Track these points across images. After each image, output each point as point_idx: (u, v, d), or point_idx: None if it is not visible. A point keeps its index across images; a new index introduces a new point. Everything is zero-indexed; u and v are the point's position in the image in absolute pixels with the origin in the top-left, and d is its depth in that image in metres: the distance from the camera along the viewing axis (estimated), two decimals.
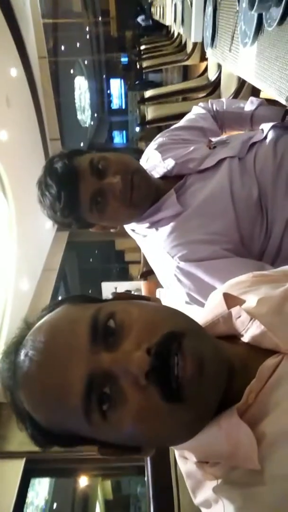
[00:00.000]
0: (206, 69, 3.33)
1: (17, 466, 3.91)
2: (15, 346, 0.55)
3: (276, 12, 0.83)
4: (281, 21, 0.83)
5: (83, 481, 4.91)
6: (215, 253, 0.95)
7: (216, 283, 0.91)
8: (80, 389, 0.48)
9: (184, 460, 0.57)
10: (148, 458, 1.04)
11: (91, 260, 10.34)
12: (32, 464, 4.00)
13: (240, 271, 0.72)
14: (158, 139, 1.23)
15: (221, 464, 0.51)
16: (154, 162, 1.15)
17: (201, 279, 0.94)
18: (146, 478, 1.03)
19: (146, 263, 1.20)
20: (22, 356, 0.52)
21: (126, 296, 0.60)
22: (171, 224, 1.02)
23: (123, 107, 13.00)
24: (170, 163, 1.09)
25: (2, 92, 5.14)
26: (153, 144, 1.22)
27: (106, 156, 1.02)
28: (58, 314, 0.55)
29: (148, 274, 2.59)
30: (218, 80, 2.81)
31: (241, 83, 2.29)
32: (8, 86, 5.41)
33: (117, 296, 0.60)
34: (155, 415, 0.48)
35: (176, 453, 0.59)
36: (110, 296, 0.60)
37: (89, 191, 0.99)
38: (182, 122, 1.31)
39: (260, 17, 0.94)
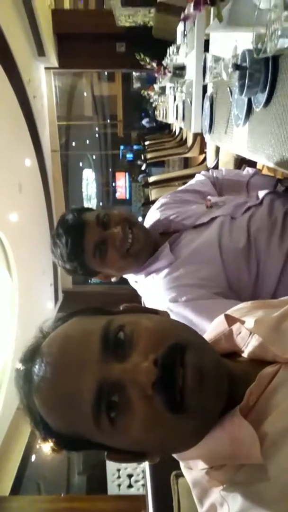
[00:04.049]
0: (205, 159, 3.66)
1: None
2: (31, 354, 0.58)
3: (262, 97, 1.01)
4: (266, 104, 1.01)
5: None
6: (203, 295, 1.03)
7: (204, 322, 0.96)
8: (91, 397, 0.51)
9: (189, 470, 0.58)
10: None
11: None
12: None
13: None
14: (161, 199, 1.37)
15: (226, 466, 0.52)
16: (155, 220, 1.28)
17: (190, 320, 1.00)
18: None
19: None
20: (37, 363, 0.55)
21: (136, 308, 0.63)
22: (165, 271, 1.13)
23: (127, 197, 13.79)
24: (168, 221, 1.22)
25: (16, 179, 5.55)
26: (157, 203, 1.36)
27: (110, 212, 1.18)
28: (71, 325, 0.59)
29: None
30: (216, 167, 3.08)
31: (237, 169, 2.52)
32: (22, 174, 5.86)
33: (127, 309, 0.63)
34: (159, 424, 0.51)
35: (181, 464, 0.60)
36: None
37: (93, 239, 1.12)
38: (184, 186, 1.46)
39: (249, 102, 1.13)
